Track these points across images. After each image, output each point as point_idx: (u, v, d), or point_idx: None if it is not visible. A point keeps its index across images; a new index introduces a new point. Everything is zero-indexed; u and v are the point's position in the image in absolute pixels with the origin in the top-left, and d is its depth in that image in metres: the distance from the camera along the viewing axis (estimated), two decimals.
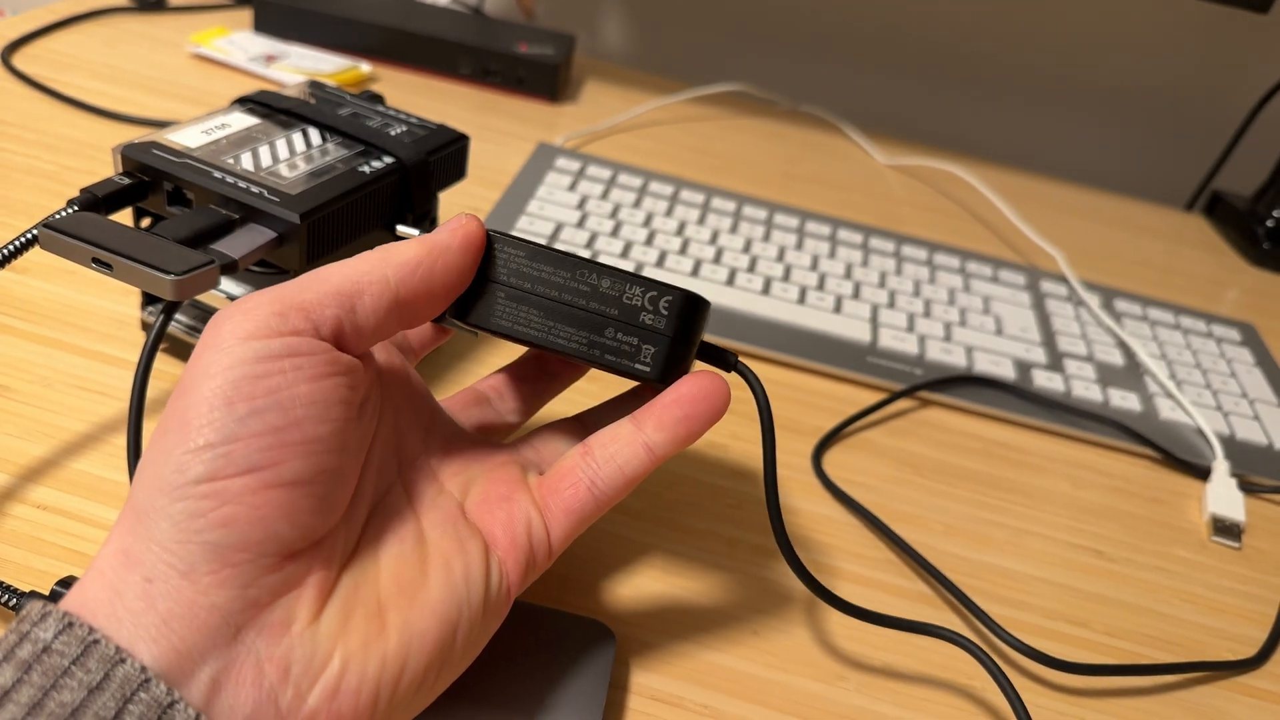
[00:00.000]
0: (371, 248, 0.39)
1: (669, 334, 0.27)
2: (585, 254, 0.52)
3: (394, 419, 0.27)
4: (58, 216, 0.32)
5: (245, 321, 0.22)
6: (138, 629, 0.19)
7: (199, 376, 0.21)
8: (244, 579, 0.20)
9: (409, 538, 0.25)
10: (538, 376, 0.34)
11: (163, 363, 0.40)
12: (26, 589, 0.29)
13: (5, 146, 0.52)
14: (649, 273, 0.52)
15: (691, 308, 0.27)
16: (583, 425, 0.31)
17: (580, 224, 0.55)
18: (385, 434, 0.27)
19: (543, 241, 0.28)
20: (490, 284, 0.27)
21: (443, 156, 0.41)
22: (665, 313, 0.27)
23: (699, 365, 0.45)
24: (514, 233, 0.29)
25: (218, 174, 0.34)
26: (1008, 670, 0.35)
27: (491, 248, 0.27)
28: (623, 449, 0.27)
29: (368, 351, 0.26)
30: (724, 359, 0.29)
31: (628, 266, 0.52)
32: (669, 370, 0.28)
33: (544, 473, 0.30)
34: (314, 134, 0.39)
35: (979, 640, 0.36)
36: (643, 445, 0.27)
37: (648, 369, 0.27)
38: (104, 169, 0.52)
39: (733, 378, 0.47)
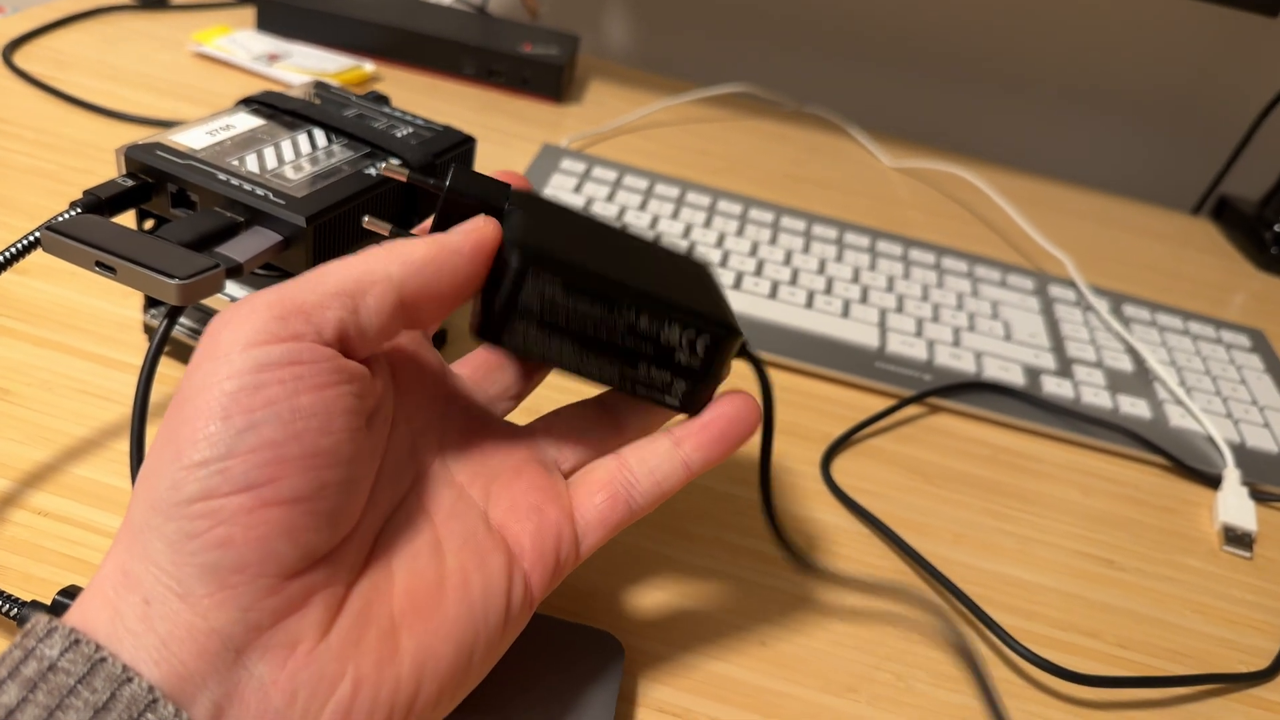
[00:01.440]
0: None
1: (701, 371, 0.28)
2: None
3: (408, 419, 0.26)
4: (60, 219, 0.31)
5: (243, 327, 0.21)
6: (139, 650, 0.19)
7: (195, 388, 0.20)
8: (243, 601, 0.20)
9: (424, 550, 0.24)
10: None
11: (165, 366, 0.39)
12: (28, 598, 0.28)
13: (6, 146, 0.52)
14: None
15: (726, 345, 0.28)
16: (604, 409, 0.30)
17: None
18: (399, 437, 0.26)
19: (580, 261, 0.27)
20: (524, 313, 0.26)
21: (449, 159, 0.40)
22: (700, 352, 0.27)
23: None
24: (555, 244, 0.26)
25: (222, 176, 0.34)
26: (1020, 682, 0.35)
27: (525, 277, 0.25)
28: (662, 464, 0.28)
29: (378, 356, 0.25)
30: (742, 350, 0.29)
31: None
32: (696, 404, 0.28)
33: (564, 468, 0.29)
34: (319, 135, 0.39)
35: (992, 651, 0.36)
36: (682, 462, 0.28)
37: (676, 403, 0.28)
38: (106, 169, 0.52)
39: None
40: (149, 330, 0.40)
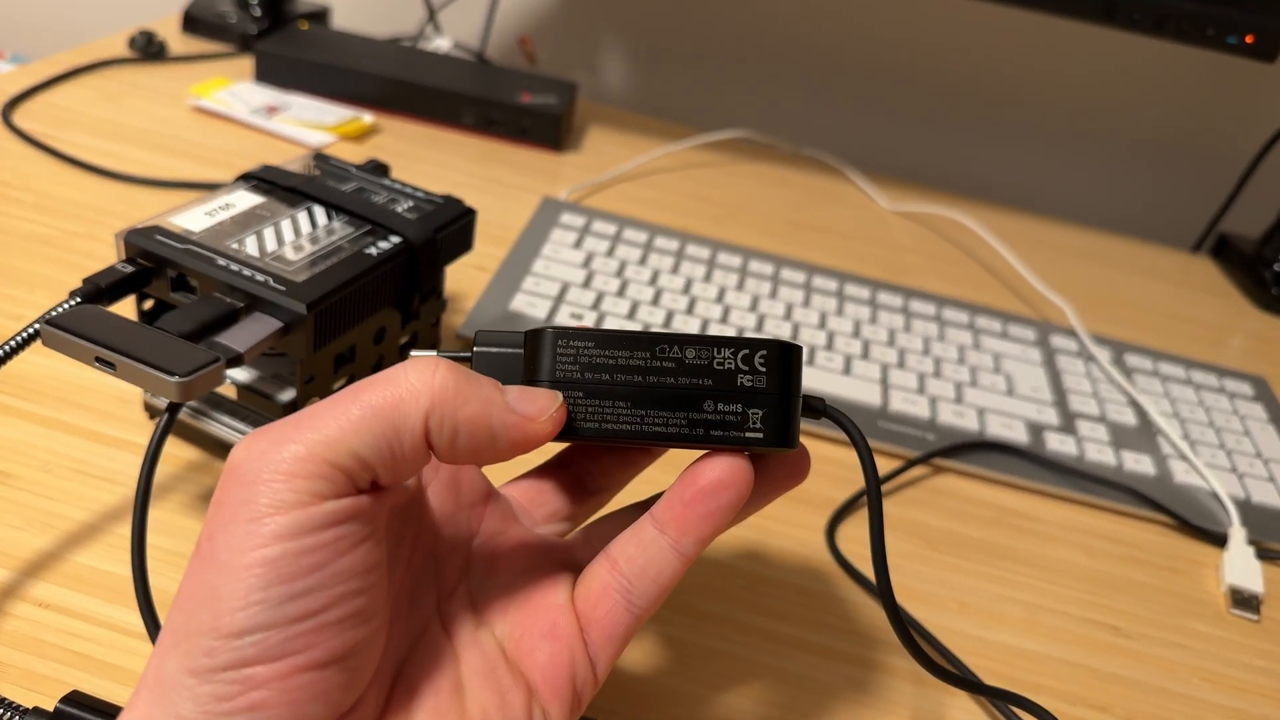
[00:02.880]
0: (379, 328, 0.39)
1: (774, 391, 0.25)
2: (631, 326, 0.51)
3: (432, 545, 0.26)
4: (60, 310, 0.31)
5: (280, 490, 0.20)
6: None
7: (233, 549, 0.20)
8: None
9: (445, 689, 0.23)
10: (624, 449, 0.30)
11: (167, 445, 0.39)
12: (30, 704, 0.28)
13: (5, 210, 0.52)
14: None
15: (789, 357, 0.25)
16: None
17: (586, 284, 0.55)
18: (420, 565, 0.25)
19: (610, 326, 0.25)
20: (566, 386, 0.24)
21: (450, 233, 0.40)
22: (763, 369, 0.25)
23: None
24: (574, 325, 0.25)
25: (221, 261, 0.34)
26: None
27: (555, 346, 0.25)
28: (653, 559, 0.25)
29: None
30: (810, 406, 0.27)
31: (635, 329, 0.51)
32: (783, 431, 0.25)
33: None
34: (319, 213, 0.39)
35: None
36: (670, 549, 0.25)
37: (761, 435, 0.25)
38: (105, 233, 0.52)
39: None
40: (149, 408, 0.39)
